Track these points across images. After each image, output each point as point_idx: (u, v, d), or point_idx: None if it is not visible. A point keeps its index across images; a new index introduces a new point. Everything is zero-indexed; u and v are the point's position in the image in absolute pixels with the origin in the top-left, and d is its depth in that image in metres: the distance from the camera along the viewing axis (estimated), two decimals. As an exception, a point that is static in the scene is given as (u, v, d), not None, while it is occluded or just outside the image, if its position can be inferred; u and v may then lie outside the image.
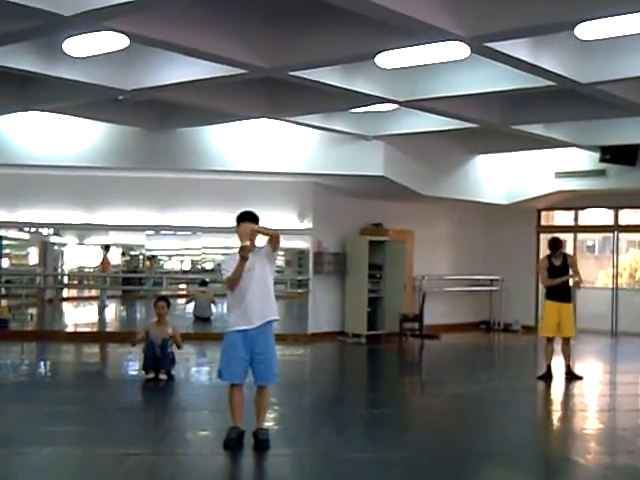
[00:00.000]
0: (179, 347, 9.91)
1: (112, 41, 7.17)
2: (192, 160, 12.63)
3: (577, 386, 10.19)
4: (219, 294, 14.90)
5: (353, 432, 7.51)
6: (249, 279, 6.37)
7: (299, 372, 11.67)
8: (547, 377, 10.32)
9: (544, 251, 16.99)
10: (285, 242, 14.60)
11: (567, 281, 10.49)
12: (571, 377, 10.37)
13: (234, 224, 6.45)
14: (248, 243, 6.27)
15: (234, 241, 6.56)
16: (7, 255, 15.52)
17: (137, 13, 6.41)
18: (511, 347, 15.45)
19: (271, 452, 6.36)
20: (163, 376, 9.61)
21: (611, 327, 16.29)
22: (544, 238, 17.39)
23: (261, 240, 6.47)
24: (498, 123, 11.01)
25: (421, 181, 13.72)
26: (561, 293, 10.46)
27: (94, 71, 8.56)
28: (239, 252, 6.28)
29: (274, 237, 6.40)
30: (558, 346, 10.62)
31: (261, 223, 6.48)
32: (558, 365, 10.73)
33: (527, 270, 16.72)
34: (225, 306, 6.86)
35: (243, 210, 6.53)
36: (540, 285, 16.59)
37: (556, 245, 10.60)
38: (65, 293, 16.99)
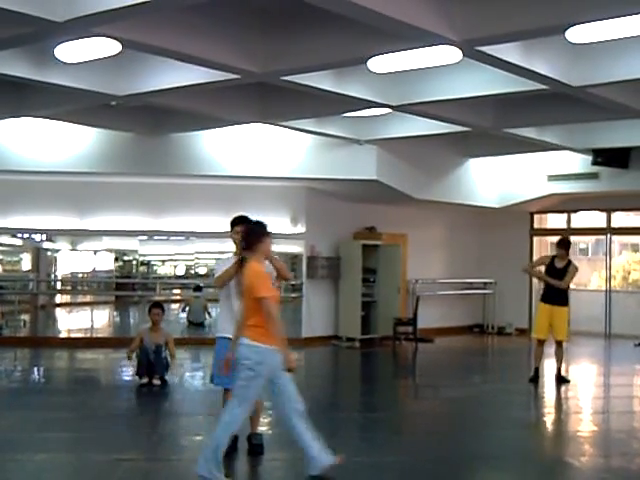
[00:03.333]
0: (172, 357, 9.93)
1: (104, 47, 7.17)
2: (185, 165, 12.62)
3: (571, 388, 10.22)
4: (213, 299, 14.88)
5: (347, 436, 7.51)
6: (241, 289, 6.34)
7: (293, 376, 11.65)
8: (535, 380, 10.33)
9: (537, 254, 17.14)
10: (278, 247, 14.72)
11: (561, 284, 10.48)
12: (559, 380, 10.38)
13: (228, 229, 6.47)
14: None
15: (228, 246, 6.57)
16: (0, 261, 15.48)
17: (129, 19, 6.41)
18: (505, 350, 15.47)
19: (265, 456, 6.37)
20: (157, 381, 9.61)
21: (604, 329, 16.33)
22: (537, 241, 17.51)
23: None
24: (490, 126, 11.03)
25: (414, 185, 13.73)
26: (553, 296, 10.46)
27: (87, 77, 8.55)
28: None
29: (283, 276, 6.39)
30: (551, 349, 10.65)
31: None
32: (548, 368, 10.76)
33: (520, 273, 16.73)
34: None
35: (237, 215, 6.54)
36: (533, 288, 16.71)
37: (564, 245, 10.51)
38: (58, 299, 16.93)
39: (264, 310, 5.50)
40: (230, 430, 5.62)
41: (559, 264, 10.42)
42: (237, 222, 6.44)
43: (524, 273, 10.74)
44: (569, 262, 10.46)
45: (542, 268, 10.69)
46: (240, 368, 5.59)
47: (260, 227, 5.84)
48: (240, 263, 5.86)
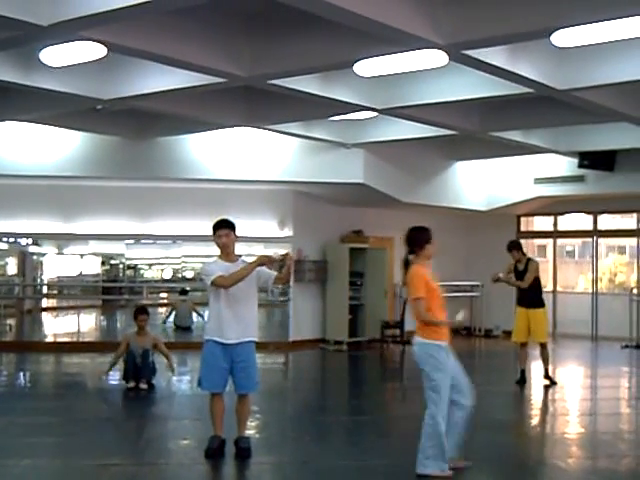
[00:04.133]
0: (167, 357, 9.91)
1: (90, 51, 7.14)
2: (172, 169, 12.59)
3: (558, 390, 10.24)
4: (199, 303, 14.87)
5: (335, 439, 7.51)
6: (232, 292, 6.32)
7: (281, 380, 11.66)
8: (521, 382, 10.36)
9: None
10: (266, 250, 14.68)
11: (535, 287, 10.53)
12: (548, 382, 10.42)
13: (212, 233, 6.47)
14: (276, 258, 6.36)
15: (214, 249, 6.56)
16: (-15, 266, 15.41)
17: (115, 23, 6.39)
18: (492, 352, 15.49)
19: (253, 460, 6.35)
20: (144, 386, 9.58)
21: (591, 332, 16.36)
22: (524, 244, 17.52)
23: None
24: (477, 130, 11.06)
25: (401, 188, 13.75)
26: (527, 298, 10.53)
27: (72, 81, 8.52)
28: (261, 258, 6.29)
29: (285, 280, 6.53)
30: (536, 351, 10.68)
31: (239, 233, 6.51)
32: (535, 370, 10.77)
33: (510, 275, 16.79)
34: (206, 315, 6.91)
35: (219, 218, 6.54)
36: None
37: (514, 247, 10.65)
38: (44, 303, 16.86)
39: (414, 310, 5.99)
40: (441, 430, 6.03)
41: (520, 266, 10.57)
42: (219, 226, 6.44)
43: (497, 282, 10.82)
44: (528, 261, 10.59)
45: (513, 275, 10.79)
46: (421, 368, 6.15)
47: (423, 234, 6.01)
48: (405, 266, 6.09)
